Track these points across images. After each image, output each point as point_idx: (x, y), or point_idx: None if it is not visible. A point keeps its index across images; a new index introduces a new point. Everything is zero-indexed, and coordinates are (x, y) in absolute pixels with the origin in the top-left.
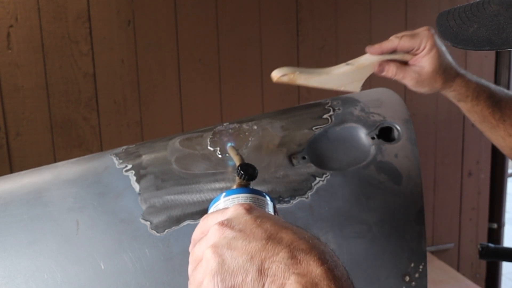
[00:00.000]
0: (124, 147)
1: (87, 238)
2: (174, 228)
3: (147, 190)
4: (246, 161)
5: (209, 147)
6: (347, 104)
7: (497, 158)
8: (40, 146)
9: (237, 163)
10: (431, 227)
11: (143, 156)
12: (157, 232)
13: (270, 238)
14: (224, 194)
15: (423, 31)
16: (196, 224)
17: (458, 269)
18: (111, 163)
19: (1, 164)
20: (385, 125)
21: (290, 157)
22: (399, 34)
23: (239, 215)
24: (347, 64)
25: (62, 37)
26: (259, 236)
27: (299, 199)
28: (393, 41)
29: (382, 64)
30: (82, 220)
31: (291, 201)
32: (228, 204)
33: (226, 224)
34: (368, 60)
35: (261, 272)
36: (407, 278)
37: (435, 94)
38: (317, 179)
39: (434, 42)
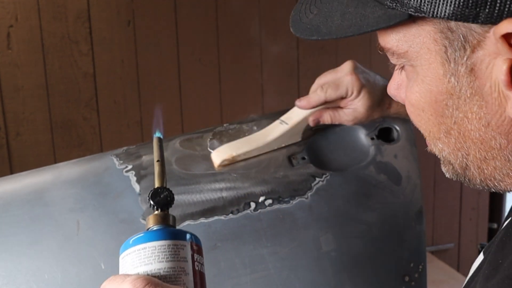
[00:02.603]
0: (125, 148)
1: (87, 238)
2: None
3: (147, 191)
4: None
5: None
6: None
7: None
8: (40, 146)
9: (156, 181)
10: (431, 227)
11: (144, 157)
12: None
13: None
14: (132, 239)
15: (345, 76)
16: (196, 224)
17: (458, 269)
18: (112, 164)
19: (1, 164)
20: (385, 125)
21: (290, 158)
22: (323, 82)
23: None
24: (281, 123)
25: (62, 37)
26: None
27: (299, 199)
28: (320, 95)
29: (315, 115)
30: (83, 221)
31: (291, 201)
32: (133, 261)
33: None
34: (300, 115)
35: None
36: (407, 278)
37: None
38: (317, 179)
39: (360, 84)
